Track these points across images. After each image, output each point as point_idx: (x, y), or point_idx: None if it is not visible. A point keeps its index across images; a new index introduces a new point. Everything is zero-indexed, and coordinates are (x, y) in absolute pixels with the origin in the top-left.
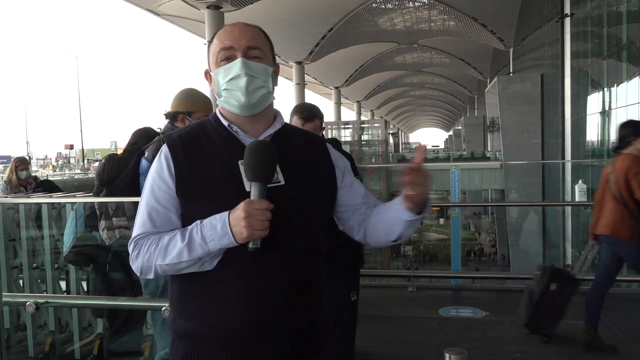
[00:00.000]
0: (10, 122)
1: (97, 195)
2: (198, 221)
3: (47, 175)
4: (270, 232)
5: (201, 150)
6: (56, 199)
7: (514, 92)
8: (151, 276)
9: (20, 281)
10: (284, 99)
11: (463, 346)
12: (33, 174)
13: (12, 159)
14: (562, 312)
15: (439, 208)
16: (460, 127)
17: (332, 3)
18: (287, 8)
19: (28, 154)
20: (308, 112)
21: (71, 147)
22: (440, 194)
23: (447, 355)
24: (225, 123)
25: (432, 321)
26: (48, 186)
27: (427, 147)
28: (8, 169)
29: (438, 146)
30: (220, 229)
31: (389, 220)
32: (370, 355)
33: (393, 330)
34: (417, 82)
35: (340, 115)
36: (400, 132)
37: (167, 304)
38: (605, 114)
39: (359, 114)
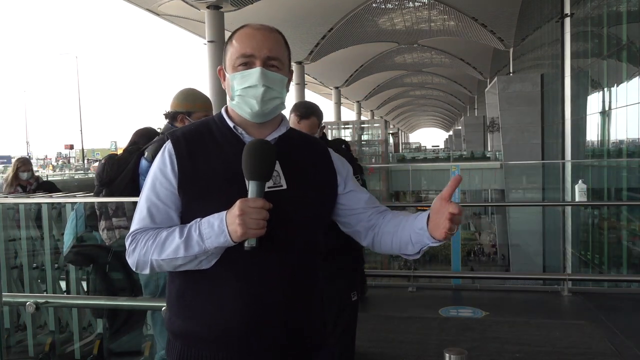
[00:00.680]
0: (10, 122)
1: (97, 195)
2: (197, 219)
3: (47, 176)
4: (268, 232)
5: (205, 149)
6: (56, 199)
7: (514, 92)
8: (147, 271)
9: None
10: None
11: (463, 346)
12: (36, 174)
13: (15, 159)
14: None
15: None
16: (460, 127)
17: (332, 3)
18: (287, 8)
19: (28, 153)
20: (304, 110)
21: (71, 147)
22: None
23: (447, 355)
24: (230, 124)
25: (432, 321)
26: (48, 187)
27: (427, 147)
28: (9, 168)
29: (438, 146)
30: (217, 227)
31: (404, 237)
32: (370, 355)
33: (393, 330)
34: (417, 82)
35: (340, 115)
36: (400, 132)
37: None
38: (605, 114)
39: (359, 114)
